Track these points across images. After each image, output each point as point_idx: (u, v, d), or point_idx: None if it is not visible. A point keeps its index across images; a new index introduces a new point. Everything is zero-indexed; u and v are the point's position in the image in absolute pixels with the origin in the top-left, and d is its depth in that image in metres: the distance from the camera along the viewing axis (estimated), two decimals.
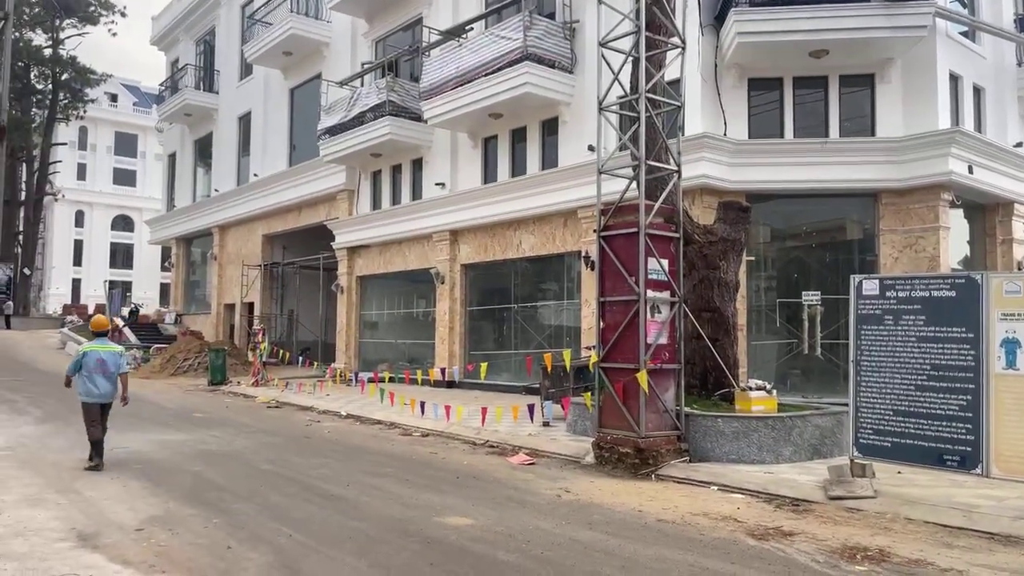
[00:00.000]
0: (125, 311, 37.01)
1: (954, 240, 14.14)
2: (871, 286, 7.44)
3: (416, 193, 21.06)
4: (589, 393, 10.57)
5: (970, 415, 6.64)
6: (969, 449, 6.63)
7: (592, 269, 13.34)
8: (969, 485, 7.36)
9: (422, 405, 13.07)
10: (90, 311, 44.63)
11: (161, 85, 33.92)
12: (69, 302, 53.50)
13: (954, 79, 14.37)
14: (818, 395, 13.31)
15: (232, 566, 5.24)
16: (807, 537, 6.01)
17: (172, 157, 34.97)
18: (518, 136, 18.26)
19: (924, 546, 5.76)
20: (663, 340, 9.10)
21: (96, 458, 8.76)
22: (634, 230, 9.03)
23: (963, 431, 6.68)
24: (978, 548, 5.74)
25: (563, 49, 16.61)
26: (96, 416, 8.81)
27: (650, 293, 8.98)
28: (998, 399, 6.51)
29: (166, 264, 40.35)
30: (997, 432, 6.49)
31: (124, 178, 66.41)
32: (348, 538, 5.93)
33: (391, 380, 19.39)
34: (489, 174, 18.96)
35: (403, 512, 6.79)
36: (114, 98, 65.34)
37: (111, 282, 48.16)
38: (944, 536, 6.05)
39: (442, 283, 19.76)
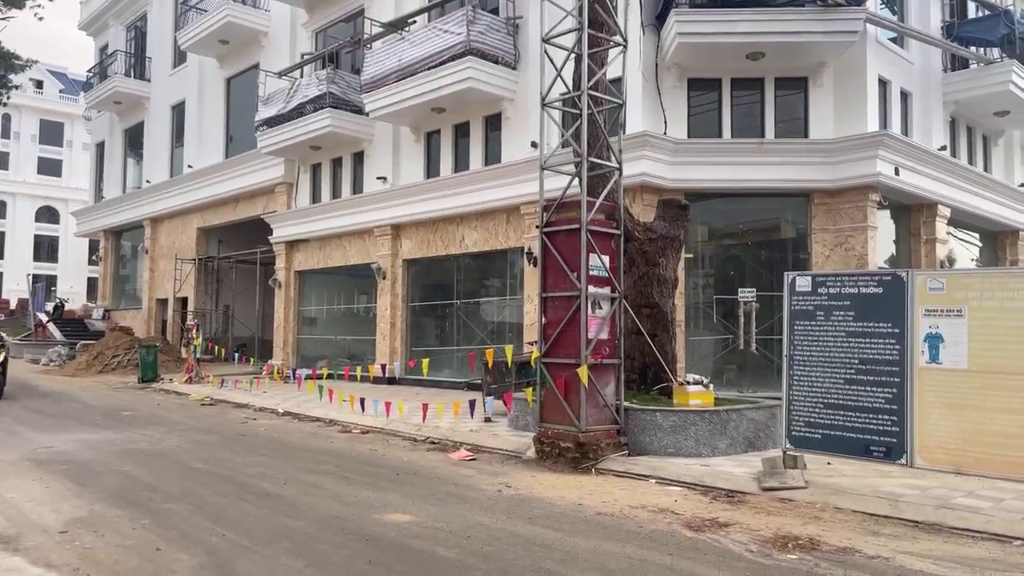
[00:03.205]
0: (49, 306, 35.59)
1: (881, 239, 14.66)
2: (804, 283, 7.65)
3: (357, 187, 20.78)
4: (531, 388, 10.58)
5: (895, 407, 6.88)
6: (894, 440, 6.88)
7: (534, 265, 13.37)
8: (895, 475, 7.64)
9: (362, 402, 12.90)
10: (12, 306, 42.74)
11: (89, 71, 32.58)
12: None
13: (883, 84, 14.87)
14: (753, 389, 13.63)
15: (161, 568, 5.07)
16: (741, 528, 6.14)
17: (100, 146, 33.65)
18: (461, 131, 18.17)
19: (852, 534, 5.95)
20: (604, 335, 9.19)
21: None
22: (576, 226, 9.08)
23: (889, 423, 6.92)
24: (903, 536, 5.96)
25: (506, 45, 16.59)
26: None
27: (591, 289, 9.05)
28: (922, 392, 6.77)
29: (94, 257, 38.85)
30: (921, 424, 6.74)
31: (49, 168, 63.74)
32: (284, 537, 5.81)
33: (330, 377, 19.13)
34: (432, 169, 18.83)
35: (341, 510, 6.68)
36: (40, 84, 62.59)
37: (35, 276, 46.09)
38: (871, 524, 6.26)
39: (383, 278, 19.55)
